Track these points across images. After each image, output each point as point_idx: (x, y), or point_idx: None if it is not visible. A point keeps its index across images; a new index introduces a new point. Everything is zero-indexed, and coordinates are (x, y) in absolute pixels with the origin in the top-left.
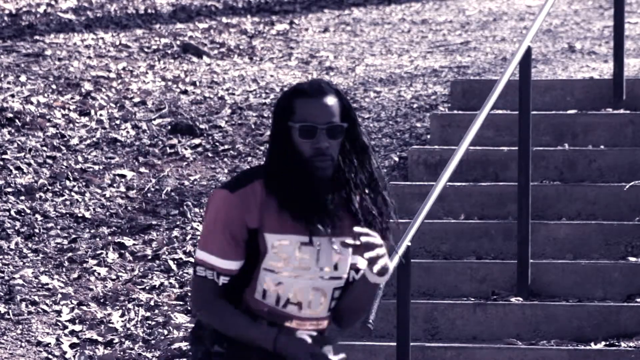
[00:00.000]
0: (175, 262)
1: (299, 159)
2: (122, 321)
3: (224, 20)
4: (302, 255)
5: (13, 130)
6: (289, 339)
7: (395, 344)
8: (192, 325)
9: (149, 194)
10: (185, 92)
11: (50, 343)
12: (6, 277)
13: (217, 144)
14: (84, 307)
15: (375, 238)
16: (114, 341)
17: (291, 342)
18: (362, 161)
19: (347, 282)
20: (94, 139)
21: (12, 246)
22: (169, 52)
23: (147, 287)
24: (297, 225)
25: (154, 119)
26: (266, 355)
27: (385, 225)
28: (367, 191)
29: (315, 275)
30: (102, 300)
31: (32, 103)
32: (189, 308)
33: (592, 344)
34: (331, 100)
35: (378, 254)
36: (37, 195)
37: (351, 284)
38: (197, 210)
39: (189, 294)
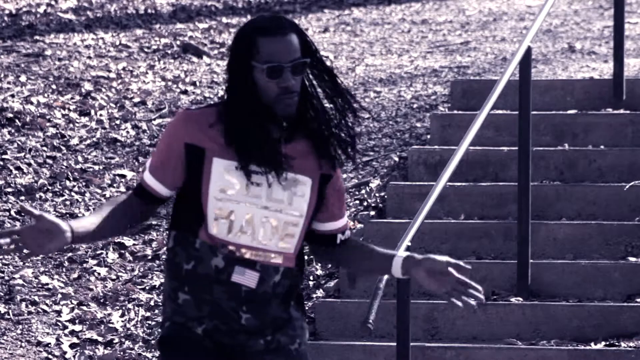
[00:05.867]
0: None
1: (265, 98)
2: (122, 321)
3: (224, 20)
4: (255, 182)
5: (13, 130)
6: None
7: (395, 344)
8: None
9: None
10: (185, 92)
11: (50, 343)
12: (6, 277)
13: None
14: (84, 307)
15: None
16: (114, 341)
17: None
18: (333, 86)
19: (324, 237)
20: (94, 139)
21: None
22: (169, 52)
23: (147, 287)
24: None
25: (154, 119)
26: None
27: (352, 153)
28: (336, 115)
29: (266, 205)
30: (102, 300)
31: (32, 103)
32: None
33: (592, 344)
34: (292, 36)
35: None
36: (37, 195)
37: (335, 243)
38: None
39: None
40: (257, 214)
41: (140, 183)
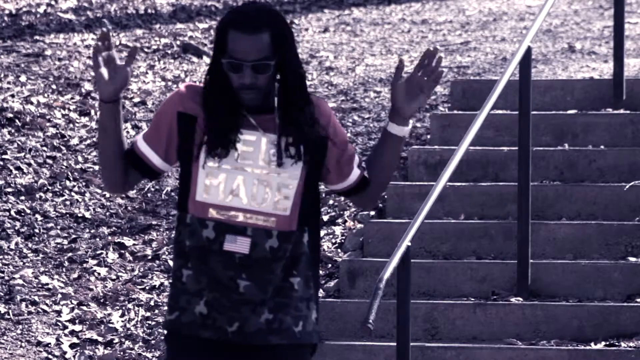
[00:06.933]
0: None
1: (230, 87)
2: (122, 321)
3: None
4: (243, 147)
5: (13, 130)
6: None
7: (395, 344)
8: None
9: (149, 194)
10: None
11: (50, 343)
12: (6, 277)
13: None
14: (84, 307)
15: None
16: (114, 341)
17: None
18: (295, 87)
19: (359, 185)
20: (94, 139)
21: (12, 246)
22: (169, 52)
23: (147, 287)
24: (244, 121)
25: None
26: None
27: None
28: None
29: (256, 168)
30: (102, 300)
31: (32, 103)
32: None
33: (592, 344)
34: (263, 35)
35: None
36: (37, 195)
37: (369, 181)
38: None
39: None
40: (248, 177)
41: (132, 148)
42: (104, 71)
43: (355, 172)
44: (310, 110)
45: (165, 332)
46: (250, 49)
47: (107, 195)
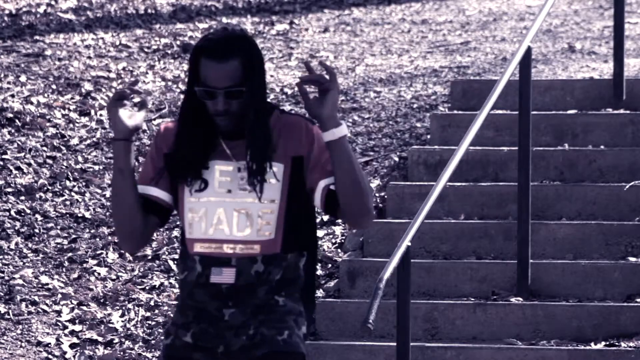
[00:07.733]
0: (175, 262)
1: (205, 113)
2: (122, 321)
3: (224, 20)
4: (221, 178)
5: (13, 130)
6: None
7: (395, 344)
8: None
9: None
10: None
11: (50, 343)
12: (6, 277)
13: None
14: (84, 307)
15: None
16: (114, 341)
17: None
18: (257, 113)
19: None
20: (94, 139)
21: (12, 246)
22: (169, 52)
23: (147, 287)
24: (220, 151)
25: (154, 119)
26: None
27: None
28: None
29: (234, 198)
30: (102, 300)
31: (32, 103)
32: None
33: (592, 344)
34: (233, 62)
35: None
36: (37, 195)
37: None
38: None
39: None
40: (228, 208)
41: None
42: (119, 110)
43: (320, 185)
44: (270, 132)
45: (162, 355)
46: (222, 76)
47: (107, 195)
